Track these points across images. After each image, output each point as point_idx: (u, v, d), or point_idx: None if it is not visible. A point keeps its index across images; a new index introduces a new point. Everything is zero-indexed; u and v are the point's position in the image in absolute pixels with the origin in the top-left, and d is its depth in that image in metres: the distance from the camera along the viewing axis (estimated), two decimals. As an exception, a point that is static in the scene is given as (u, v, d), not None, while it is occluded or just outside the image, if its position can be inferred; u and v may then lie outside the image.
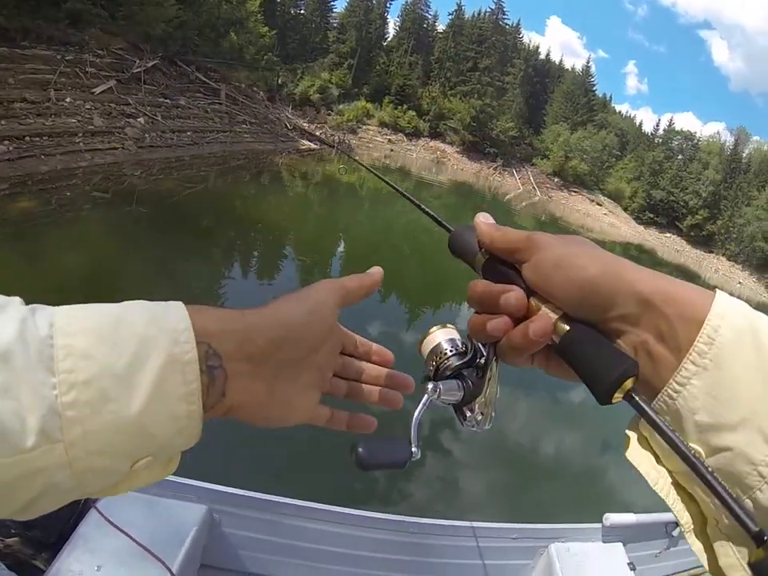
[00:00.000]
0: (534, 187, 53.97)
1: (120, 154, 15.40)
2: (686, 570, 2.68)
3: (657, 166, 55.86)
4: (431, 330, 0.69)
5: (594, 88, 63.95)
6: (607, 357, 0.47)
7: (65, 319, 0.40)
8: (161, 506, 2.29)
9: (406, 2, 61.72)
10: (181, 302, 0.46)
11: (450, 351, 0.65)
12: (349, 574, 2.65)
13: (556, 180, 55.88)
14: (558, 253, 0.52)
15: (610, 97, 69.62)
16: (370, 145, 49.69)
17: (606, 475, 6.91)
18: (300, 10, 58.21)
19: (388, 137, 52.83)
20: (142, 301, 0.45)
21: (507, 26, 61.33)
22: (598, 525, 2.84)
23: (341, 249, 15.16)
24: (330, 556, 2.60)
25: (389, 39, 61.18)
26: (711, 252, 51.17)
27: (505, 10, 60.83)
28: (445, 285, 13.83)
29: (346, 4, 59.18)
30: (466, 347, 0.66)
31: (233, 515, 2.46)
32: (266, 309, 0.53)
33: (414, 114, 54.57)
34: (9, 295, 0.41)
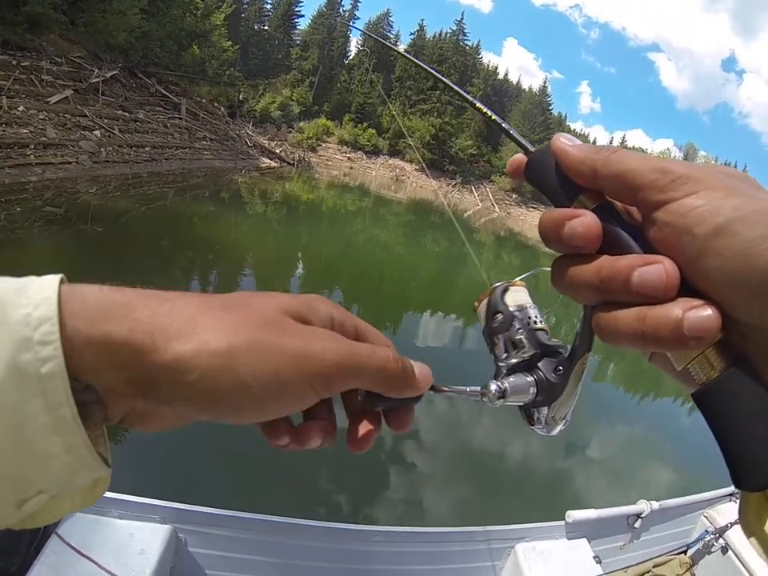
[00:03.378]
0: (492, 203, 54.96)
1: (73, 169, 14.74)
2: (650, 559, 2.69)
3: None
4: (493, 287, 0.53)
5: (551, 107, 66.34)
6: None
7: None
8: (124, 529, 2.22)
9: (370, 22, 62.59)
10: (55, 277, 0.34)
11: (521, 327, 0.50)
12: None
13: (514, 196, 57.21)
14: (719, 206, 0.33)
15: (565, 115, 72.29)
16: (330, 163, 50.03)
17: (566, 474, 6.87)
18: (264, 25, 58.71)
19: (348, 155, 53.37)
20: None
21: (467, 47, 62.94)
22: (562, 522, 2.89)
23: (300, 267, 14.90)
24: (299, 570, 2.58)
25: (350, 57, 61.93)
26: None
27: (465, 31, 62.33)
28: (406, 299, 13.85)
29: (310, 21, 59.65)
30: (543, 321, 0.52)
31: (198, 534, 2.39)
32: (215, 324, 0.37)
33: (374, 131, 54.87)
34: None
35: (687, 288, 0.35)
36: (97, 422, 0.35)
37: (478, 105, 0.55)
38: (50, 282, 0.33)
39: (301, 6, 61.65)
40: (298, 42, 60.19)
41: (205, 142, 26.39)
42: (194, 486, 4.43)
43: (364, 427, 0.47)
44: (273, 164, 34.31)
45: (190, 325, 0.36)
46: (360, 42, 62.41)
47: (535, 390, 0.48)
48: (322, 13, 59.55)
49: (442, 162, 56.21)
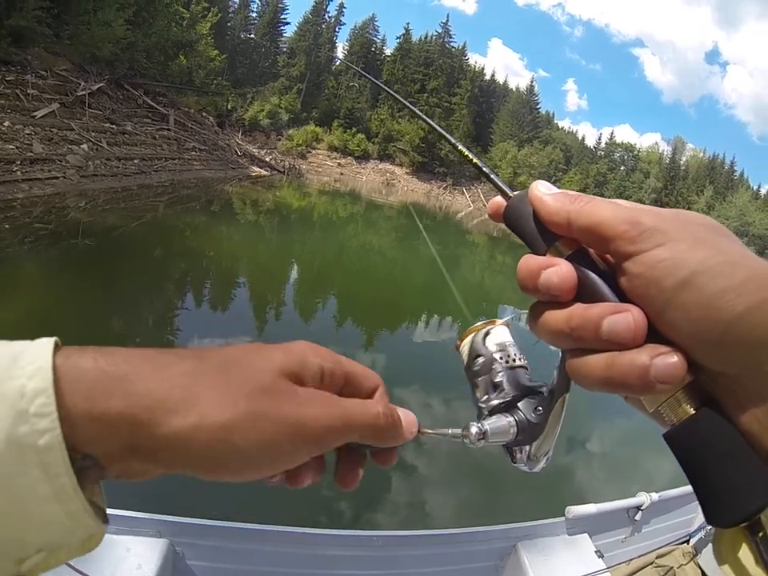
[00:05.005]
0: (484, 204, 54.55)
1: (61, 184, 14.56)
2: (653, 551, 2.58)
3: (601, 177, 59.22)
4: (475, 326, 0.56)
5: (538, 106, 66.58)
6: (745, 474, 0.34)
7: None
8: (120, 544, 2.20)
9: (355, 27, 62.84)
10: (49, 340, 0.34)
11: (501, 364, 0.53)
12: None
13: None
14: (685, 259, 0.35)
15: (553, 113, 72.33)
16: (320, 169, 50.06)
17: (565, 469, 6.80)
18: (250, 34, 58.71)
19: (338, 160, 53.40)
20: None
21: (453, 49, 63.08)
22: (562, 518, 2.86)
23: (294, 275, 14.88)
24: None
25: (338, 63, 61.94)
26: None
27: (451, 33, 62.54)
28: (400, 305, 13.78)
29: (296, 29, 59.67)
30: (523, 359, 0.54)
31: (196, 546, 2.36)
32: (217, 397, 0.37)
33: (363, 136, 54.95)
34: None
35: (656, 335, 0.36)
36: (94, 481, 0.35)
37: (459, 147, 0.56)
38: (44, 350, 0.33)
39: (286, 14, 61.89)
40: (284, 49, 60.32)
41: (194, 153, 26.36)
42: (188, 497, 4.16)
43: (351, 467, 0.48)
44: (263, 172, 34.35)
45: (187, 397, 0.36)
46: (346, 48, 62.61)
47: (515, 431, 0.50)
48: (307, 20, 59.63)
49: (432, 164, 56.22)
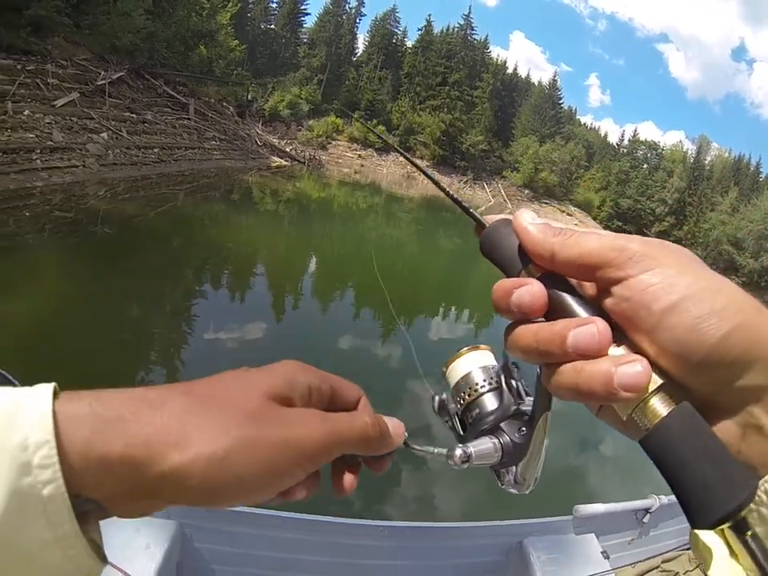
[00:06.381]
0: (505, 199, 54.24)
1: (80, 173, 14.60)
2: (659, 554, 2.61)
3: (623, 175, 57.66)
4: (461, 351, 0.58)
5: (561, 101, 65.23)
6: (722, 471, 0.35)
7: None
8: (130, 525, 2.23)
9: (376, 18, 62.39)
10: (47, 388, 0.35)
11: (485, 386, 0.55)
12: None
13: (526, 192, 56.30)
14: (674, 284, 0.37)
15: (575, 109, 71.31)
16: (340, 160, 49.86)
17: (574, 468, 6.82)
18: (270, 24, 58.51)
19: (358, 152, 53.11)
20: None
21: (475, 41, 62.10)
22: (569, 517, 2.84)
23: (312, 265, 14.87)
24: (306, 565, 2.58)
25: (358, 54, 61.76)
26: (679, 257, 52.33)
27: (473, 25, 61.63)
28: (418, 296, 13.66)
29: (316, 19, 59.43)
30: (508, 382, 0.55)
31: (205, 530, 2.40)
32: (207, 435, 0.38)
33: (384, 128, 54.51)
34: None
35: (631, 347, 0.39)
36: (95, 522, 0.37)
37: (429, 174, 0.63)
38: (44, 400, 0.33)
39: (306, 5, 61.54)
40: (305, 40, 60.09)
41: (214, 142, 26.40)
42: None
43: (346, 475, 0.50)
44: (283, 163, 34.31)
45: (181, 432, 0.37)
46: (366, 40, 62.22)
47: (500, 453, 0.51)
48: (328, 10, 59.33)
49: (453, 158, 55.76)
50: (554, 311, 0.41)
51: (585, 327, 0.38)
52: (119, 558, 2.05)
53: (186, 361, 7.17)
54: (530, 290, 0.41)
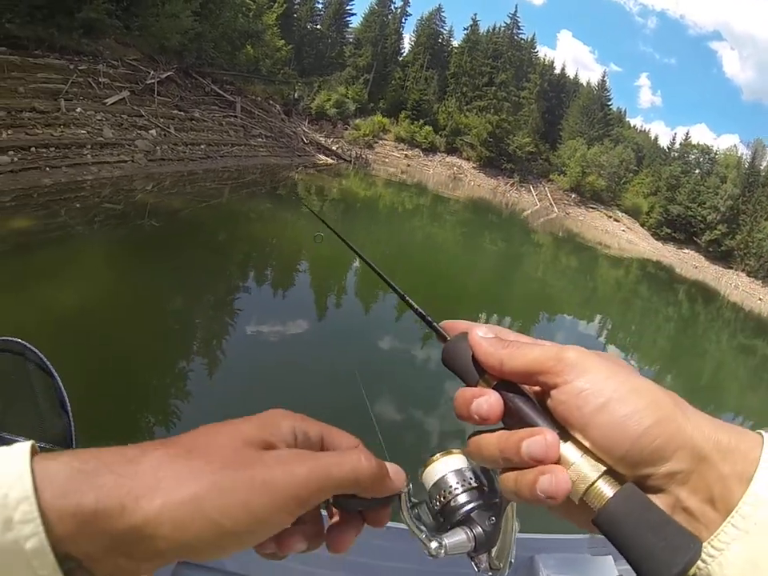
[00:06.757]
0: (551, 203, 53.22)
1: (129, 167, 15.00)
2: None
3: (674, 180, 54.54)
4: (433, 458, 0.61)
5: (610, 102, 63.29)
6: (666, 540, 0.39)
7: None
8: None
9: (421, 18, 62.08)
10: (25, 447, 0.35)
11: (458, 488, 0.58)
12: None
13: (573, 196, 54.92)
14: (601, 389, 0.44)
15: (625, 110, 69.05)
16: (386, 160, 49.72)
17: None
18: (316, 25, 58.81)
19: (404, 152, 52.81)
20: None
21: (522, 41, 61.09)
22: (586, 536, 2.59)
23: (356, 263, 14.68)
24: (310, 557, 2.20)
25: (404, 54, 61.50)
26: (730, 268, 49.41)
27: (520, 24, 60.63)
28: (461, 300, 13.58)
29: (362, 20, 59.53)
30: (478, 480, 0.59)
31: None
32: (186, 481, 0.38)
33: (431, 129, 54.20)
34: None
35: (577, 444, 0.44)
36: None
37: (396, 289, 0.66)
38: (21, 458, 0.34)
39: (352, 5, 61.59)
40: (350, 40, 60.17)
41: (260, 139, 26.58)
42: None
43: (342, 528, 0.51)
44: (329, 161, 34.40)
45: (153, 480, 0.37)
46: (412, 39, 62.09)
47: (474, 543, 0.54)
48: (373, 10, 59.20)
49: (499, 159, 54.60)
50: (510, 416, 0.47)
51: (535, 438, 0.43)
52: None
53: (227, 351, 7.23)
54: (487, 400, 0.46)
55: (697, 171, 56.86)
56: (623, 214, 54.95)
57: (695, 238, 51.36)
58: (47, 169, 11.96)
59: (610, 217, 54.03)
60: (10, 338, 2.44)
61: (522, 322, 12.97)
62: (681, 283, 35.66)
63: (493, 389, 0.48)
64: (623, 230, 52.62)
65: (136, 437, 4.67)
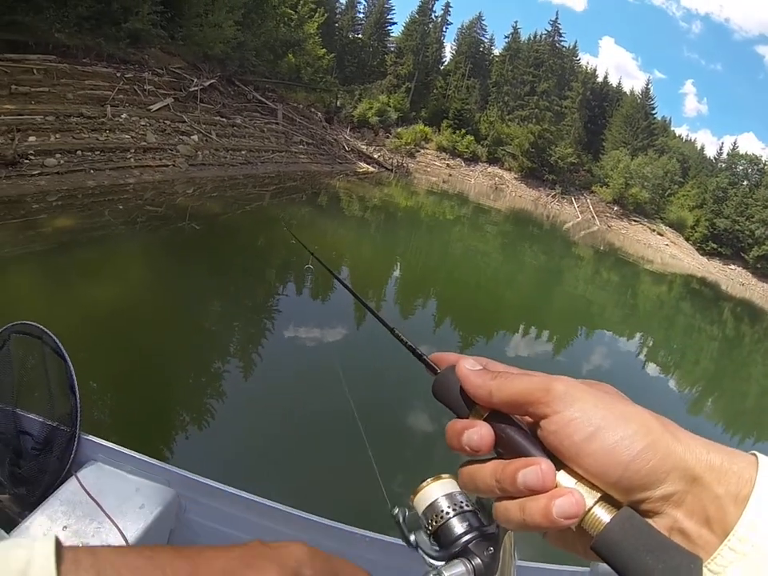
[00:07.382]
0: (593, 216, 51.89)
1: (170, 172, 15.37)
2: None
3: (721, 192, 51.64)
4: (423, 483, 0.60)
5: (654, 111, 61.46)
6: (665, 562, 0.40)
7: None
8: (133, 484, 2.38)
9: (462, 26, 61.99)
10: (48, 552, 0.33)
11: (450, 512, 0.57)
12: None
13: (616, 208, 53.23)
14: (590, 417, 0.44)
15: (669, 119, 67.47)
16: (428, 169, 49.60)
17: None
18: (358, 34, 59.23)
19: (446, 161, 52.53)
20: None
21: (564, 49, 60.17)
22: (587, 569, 2.51)
23: (397, 272, 14.90)
24: None
25: (446, 63, 61.41)
26: (780, 286, 47.27)
27: (561, 31, 59.72)
28: (499, 313, 13.52)
29: (403, 28, 59.60)
30: (470, 503, 0.58)
31: (201, 504, 2.46)
32: None
33: (472, 138, 53.85)
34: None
35: (571, 472, 0.45)
36: None
37: (383, 320, 0.66)
38: (47, 562, 0.33)
39: (393, 14, 61.72)
40: (392, 48, 60.16)
41: (301, 146, 26.77)
42: (210, 460, 4.68)
43: None
44: (371, 169, 34.46)
45: None
46: (453, 48, 62.06)
47: (473, 575, 0.53)
48: (414, 20, 59.12)
49: (541, 170, 53.69)
50: (503, 446, 0.48)
51: (531, 468, 0.44)
52: (115, 510, 2.22)
53: (262, 354, 7.32)
54: (478, 432, 0.47)
55: (745, 183, 54.00)
56: (667, 228, 53.08)
57: (742, 254, 48.85)
58: (92, 171, 12.32)
59: (654, 230, 52.30)
60: (30, 323, 2.50)
61: (559, 336, 12.81)
62: (726, 301, 34.41)
63: (484, 420, 0.49)
64: (667, 245, 51.03)
65: (135, 431, 4.83)
